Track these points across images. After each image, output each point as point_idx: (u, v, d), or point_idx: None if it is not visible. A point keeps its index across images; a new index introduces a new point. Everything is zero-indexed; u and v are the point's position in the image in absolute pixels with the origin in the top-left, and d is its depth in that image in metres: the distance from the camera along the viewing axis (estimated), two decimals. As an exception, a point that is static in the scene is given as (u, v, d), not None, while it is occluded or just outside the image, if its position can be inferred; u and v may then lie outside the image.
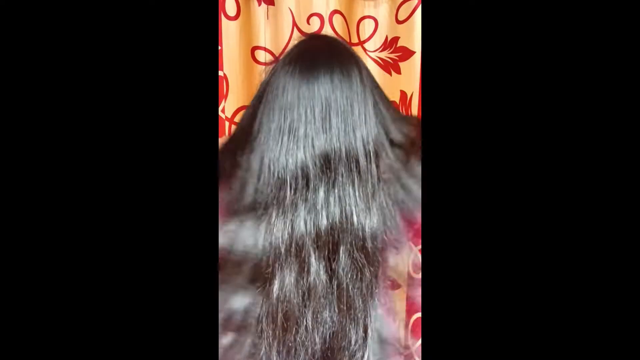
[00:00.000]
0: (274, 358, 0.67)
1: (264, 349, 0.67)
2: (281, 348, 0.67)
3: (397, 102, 1.08)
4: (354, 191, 0.66)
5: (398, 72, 1.07)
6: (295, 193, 0.65)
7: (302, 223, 0.65)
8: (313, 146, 0.65)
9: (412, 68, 1.06)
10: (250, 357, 0.69)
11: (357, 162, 0.66)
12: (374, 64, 1.08)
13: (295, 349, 0.67)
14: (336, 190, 0.66)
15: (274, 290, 0.66)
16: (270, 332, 0.67)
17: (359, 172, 0.66)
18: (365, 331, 0.68)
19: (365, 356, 0.68)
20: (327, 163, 0.65)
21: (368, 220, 0.66)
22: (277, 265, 0.66)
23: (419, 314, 1.04)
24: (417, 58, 1.05)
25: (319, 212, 0.65)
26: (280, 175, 0.65)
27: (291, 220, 0.65)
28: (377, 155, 0.67)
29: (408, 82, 1.07)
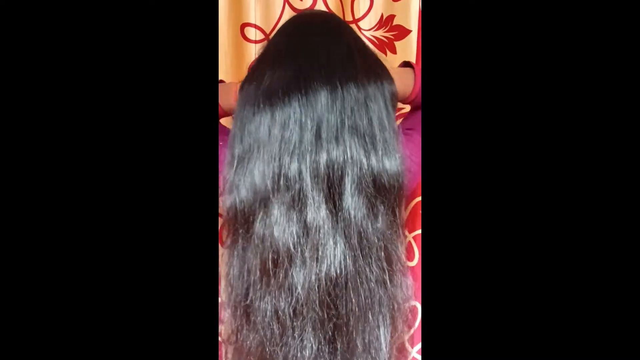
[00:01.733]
0: (267, 305, 0.63)
1: (257, 296, 0.64)
2: (275, 291, 0.63)
3: (392, 83, 1.05)
4: (363, 132, 0.62)
5: (394, 51, 1.04)
6: (284, 131, 0.62)
7: (295, 159, 0.61)
8: (313, 106, 0.62)
9: (408, 47, 1.03)
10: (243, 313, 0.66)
11: (366, 103, 0.62)
12: (369, 44, 1.04)
13: (292, 289, 0.63)
14: (338, 132, 0.62)
15: (257, 231, 0.62)
16: (258, 278, 0.63)
17: (367, 114, 0.62)
18: (389, 266, 0.64)
19: (386, 293, 0.64)
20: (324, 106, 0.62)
21: (381, 162, 0.62)
22: (256, 206, 0.62)
23: (414, 303, 1.03)
24: (413, 37, 1.02)
25: (318, 153, 0.61)
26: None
27: (279, 156, 0.61)
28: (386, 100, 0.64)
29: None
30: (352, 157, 0.61)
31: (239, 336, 0.68)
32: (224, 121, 0.83)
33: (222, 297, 1.03)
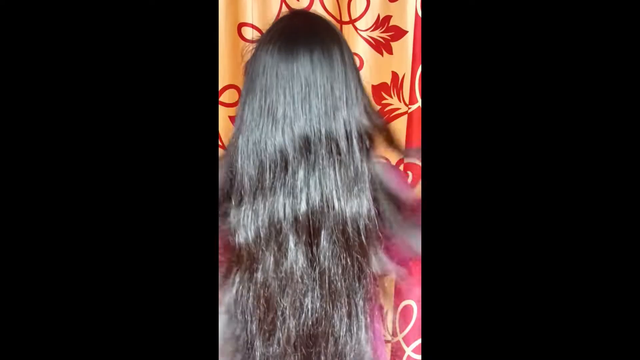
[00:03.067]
0: (257, 343, 0.66)
1: (247, 335, 0.67)
2: (264, 334, 0.66)
3: (389, 83, 1.06)
4: (335, 175, 0.64)
5: (390, 52, 1.05)
6: (274, 176, 0.63)
7: (280, 207, 0.63)
8: (292, 128, 0.63)
9: (405, 48, 1.03)
10: (234, 342, 0.68)
11: (337, 145, 0.63)
12: (365, 44, 1.05)
13: (275, 335, 0.66)
14: (316, 174, 0.63)
15: (257, 275, 0.65)
16: (253, 318, 0.66)
17: (340, 155, 0.64)
18: (350, 317, 0.67)
19: (351, 343, 0.67)
20: (307, 145, 0.63)
21: (349, 205, 0.64)
22: (259, 251, 0.65)
23: (408, 301, 1.04)
24: (409, 38, 1.02)
25: (297, 195, 0.63)
26: (260, 159, 0.64)
27: (271, 204, 0.63)
28: (360, 138, 0.65)
29: (400, 62, 1.04)
30: (327, 205, 0.64)
31: None
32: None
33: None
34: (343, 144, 0.64)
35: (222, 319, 0.69)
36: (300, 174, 0.63)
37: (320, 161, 0.63)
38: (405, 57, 1.03)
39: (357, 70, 0.69)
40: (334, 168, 0.64)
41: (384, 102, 1.07)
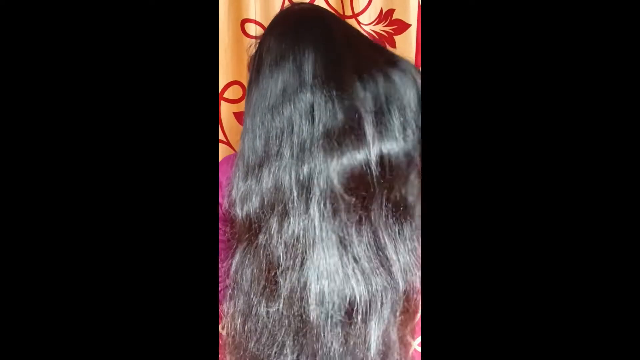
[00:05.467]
0: (261, 304, 0.66)
1: (249, 297, 0.67)
2: (268, 293, 0.66)
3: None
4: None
5: (393, 45, 1.05)
6: (280, 143, 0.64)
7: (287, 173, 0.63)
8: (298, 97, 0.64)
9: (408, 42, 1.03)
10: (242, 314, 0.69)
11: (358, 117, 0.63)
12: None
13: (279, 294, 0.65)
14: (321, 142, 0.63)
15: (260, 239, 0.65)
16: (256, 278, 0.66)
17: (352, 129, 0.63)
18: (361, 273, 0.65)
19: (376, 309, 0.66)
20: (312, 110, 0.64)
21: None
22: (262, 217, 0.65)
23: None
24: (412, 31, 1.02)
25: (306, 159, 0.63)
26: (267, 129, 0.65)
27: (276, 169, 0.64)
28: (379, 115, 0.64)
29: (403, 56, 1.04)
30: (327, 167, 0.63)
31: (236, 339, 0.71)
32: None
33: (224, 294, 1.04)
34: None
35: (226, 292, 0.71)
36: (308, 138, 0.63)
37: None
38: (408, 50, 1.03)
39: (361, 42, 0.70)
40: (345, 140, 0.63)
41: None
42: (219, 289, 0.75)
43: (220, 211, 0.72)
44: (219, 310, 0.74)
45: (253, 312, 0.67)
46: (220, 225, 0.74)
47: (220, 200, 0.72)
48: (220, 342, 0.80)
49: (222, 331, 0.80)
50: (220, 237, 0.74)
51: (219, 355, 1.03)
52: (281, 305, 0.65)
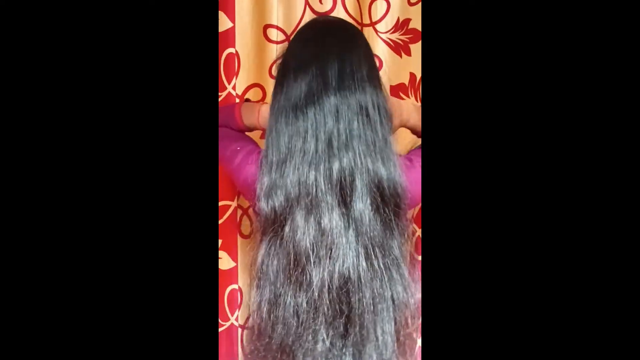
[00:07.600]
0: (289, 299, 0.70)
1: (281, 291, 0.70)
2: (295, 285, 0.70)
3: (406, 84, 1.08)
4: (365, 138, 0.69)
5: (408, 54, 1.07)
6: (303, 141, 0.69)
7: (312, 168, 0.68)
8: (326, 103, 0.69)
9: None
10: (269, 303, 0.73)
11: (368, 113, 0.69)
12: (385, 46, 1.08)
13: (307, 285, 0.69)
14: (348, 135, 0.68)
15: (286, 231, 0.69)
16: (283, 274, 0.70)
17: (370, 123, 0.69)
18: (386, 268, 0.70)
19: (388, 292, 0.70)
20: (336, 113, 0.69)
21: (383, 168, 0.69)
22: (287, 210, 0.69)
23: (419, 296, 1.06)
24: (427, 40, 1.05)
25: (330, 155, 0.68)
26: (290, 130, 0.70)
27: (300, 164, 0.69)
28: (387, 113, 0.71)
29: (418, 64, 1.07)
30: (360, 164, 0.68)
31: (261, 327, 0.74)
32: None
33: (241, 284, 1.08)
34: (372, 113, 0.69)
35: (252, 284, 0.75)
36: (333, 135, 0.68)
37: (354, 127, 0.69)
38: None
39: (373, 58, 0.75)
40: (365, 132, 0.69)
41: (401, 101, 1.09)
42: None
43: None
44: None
45: (279, 302, 0.71)
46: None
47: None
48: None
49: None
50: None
51: (232, 347, 1.06)
52: (314, 294, 0.68)
